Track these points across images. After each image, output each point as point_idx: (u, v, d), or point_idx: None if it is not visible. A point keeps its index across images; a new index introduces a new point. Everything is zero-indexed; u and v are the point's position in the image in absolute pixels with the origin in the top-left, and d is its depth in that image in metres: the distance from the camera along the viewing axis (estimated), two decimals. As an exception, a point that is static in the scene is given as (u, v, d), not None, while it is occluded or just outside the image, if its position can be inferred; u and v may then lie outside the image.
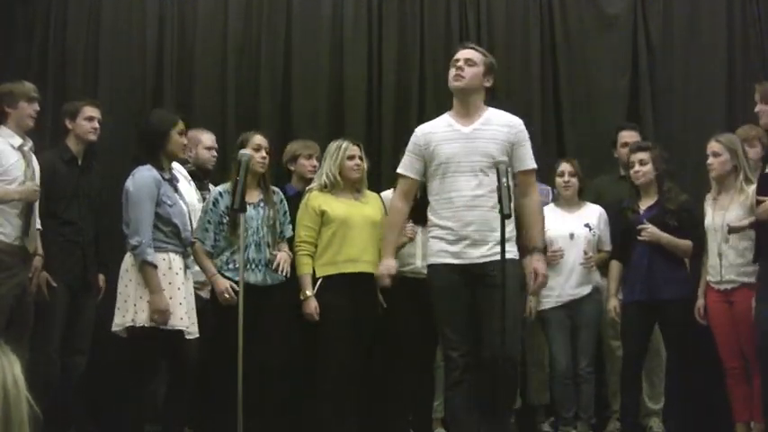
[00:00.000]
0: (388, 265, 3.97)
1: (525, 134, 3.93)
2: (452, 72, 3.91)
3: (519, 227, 3.93)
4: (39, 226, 4.36)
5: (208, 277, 4.31)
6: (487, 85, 3.95)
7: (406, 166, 3.97)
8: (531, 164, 3.93)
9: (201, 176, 4.79)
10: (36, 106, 4.37)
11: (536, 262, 3.86)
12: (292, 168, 4.91)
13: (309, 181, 4.71)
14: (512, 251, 3.71)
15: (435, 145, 3.86)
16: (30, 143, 4.33)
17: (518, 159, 3.87)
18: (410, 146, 3.98)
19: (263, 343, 4.21)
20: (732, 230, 4.28)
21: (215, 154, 4.96)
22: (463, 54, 3.93)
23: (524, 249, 3.94)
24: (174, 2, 5.68)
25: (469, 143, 3.82)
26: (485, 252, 3.75)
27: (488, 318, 3.68)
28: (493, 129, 3.86)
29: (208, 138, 4.91)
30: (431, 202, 3.93)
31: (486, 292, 3.71)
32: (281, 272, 4.35)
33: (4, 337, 3.91)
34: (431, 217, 3.92)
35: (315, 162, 4.78)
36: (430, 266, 3.92)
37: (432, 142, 3.88)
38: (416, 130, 4.04)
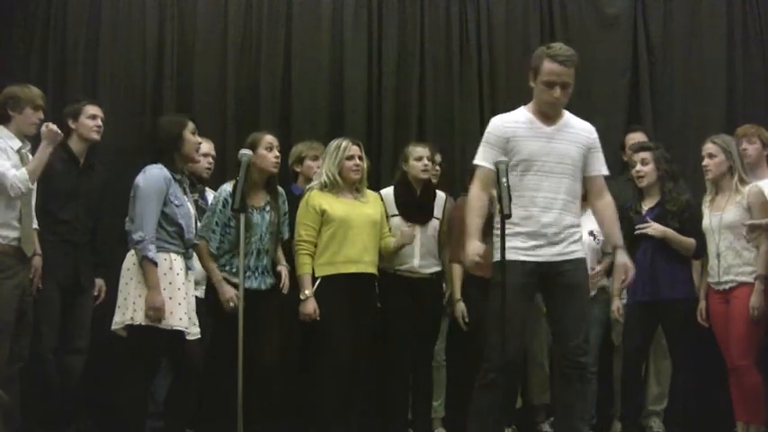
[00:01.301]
0: (481, 247, 3.73)
1: (598, 141, 3.90)
2: (548, 94, 3.72)
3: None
4: (35, 225, 4.36)
5: (213, 282, 4.27)
6: None
7: (488, 158, 3.78)
8: (604, 170, 3.91)
9: (195, 181, 4.73)
10: (41, 114, 4.34)
11: (623, 258, 3.83)
12: (298, 170, 4.91)
13: None
14: (581, 251, 3.78)
15: (518, 140, 3.75)
16: (28, 146, 4.33)
17: (593, 164, 3.85)
18: (490, 137, 3.81)
19: (262, 343, 4.20)
20: (752, 228, 4.25)
21: (211, 161, 4.93)
22: (561, 78, 3.70)
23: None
24: (174, 2, 5.68)
25: (551, 143, 3.75)
26: (560, 251, 3.70)
27: (565, 315, 3.70)
28: (574, 132, 3.82)
29: (203, 145, 4.86)
30: None
31: (560, 290, 3.70)
32: (284, 289, 4.32)
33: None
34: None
35: (321, 163, 4.76)
36: (500, 262, 3.65)
37: (514, 137, 3.76)
38: (494, 120, 3.88)
